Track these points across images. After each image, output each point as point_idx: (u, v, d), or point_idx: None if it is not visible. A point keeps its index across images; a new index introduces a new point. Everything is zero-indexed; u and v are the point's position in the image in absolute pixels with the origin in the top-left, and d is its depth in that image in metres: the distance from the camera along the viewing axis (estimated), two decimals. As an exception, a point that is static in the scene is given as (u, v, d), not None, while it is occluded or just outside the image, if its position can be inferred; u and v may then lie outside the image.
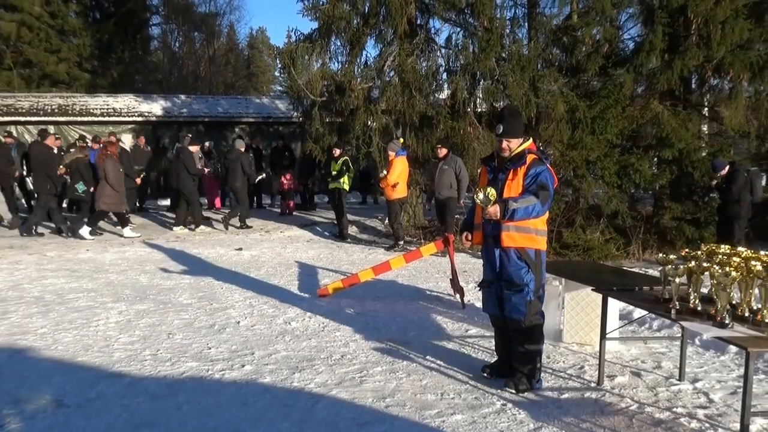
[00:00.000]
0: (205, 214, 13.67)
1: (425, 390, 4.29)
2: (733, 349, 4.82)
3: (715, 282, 3.43)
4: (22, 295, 6.99)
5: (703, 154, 11.26)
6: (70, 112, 19.71)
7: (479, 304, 6.67)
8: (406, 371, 4.67)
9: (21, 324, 5.87)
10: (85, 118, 19.55)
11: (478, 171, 4.57)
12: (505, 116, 4.24)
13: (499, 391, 4.23)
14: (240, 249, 10.33)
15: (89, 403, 4.05)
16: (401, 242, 10.81)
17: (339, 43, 13.12)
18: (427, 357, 4.98)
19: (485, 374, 4.43)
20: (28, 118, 18.83)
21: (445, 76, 13.20)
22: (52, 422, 3.77)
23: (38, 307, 6.47)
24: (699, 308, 3.60)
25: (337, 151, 11.87)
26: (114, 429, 3.68)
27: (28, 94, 21.76)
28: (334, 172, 11.78)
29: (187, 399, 4.13)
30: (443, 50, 13.20)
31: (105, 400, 4.11)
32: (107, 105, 20.65)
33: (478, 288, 4.43)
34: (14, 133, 15.89)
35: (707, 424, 3.72)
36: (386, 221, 12.27)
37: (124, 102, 21.11)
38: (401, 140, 11.54)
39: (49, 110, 19.53)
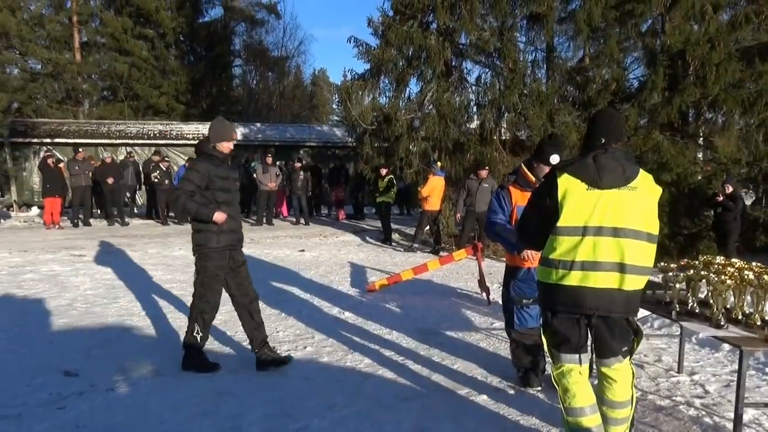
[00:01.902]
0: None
1: (456, 373, 4.24)
2: (726, 347, 4.62)
3: (711, 288, 3.30)
4: (128, 284, 7.15)
5: (699, 177, 10.92)
6: (168, 136, 20.24)
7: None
8: (440, 356, 4.62)
9: (127, 307, 6.02)
10: (180, 142, 20.03)
11: (508, 190, 4.00)
12: (561, 148, 3.79)
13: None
14: (302, 250, 10.41)
15: (181, 374, 4.12)
16: (416, 245, 10.84)
17: (387, 81, 13.17)
18: (458, 345, 4.93)
19: (539, 387, 3.92)
20: (136, 141, 19.42)
21: (475, 109, 13.11)
22: (152, 388, 3.85)
23: (141, 294, 6.61)
24: (697, 311, 3.47)
25: (384, 171, 11.91)
26: (200, 396, 3.74)
27: (135, 122, 22.41)
28: (381, 188, 11.85)
29: (259, 373, 4.17)
30: (474, 87, 13.13)
31: (193, 371, 4.18)
32: (198, 131, 21.10)
33: (519, 307, 3.96)
34: (134, 154, 16.39)
35: (703, 412, 3.57)
36: (426, 229, 12.22)
37: (212, 128, 21.55)
38: (439, 163, 11.54)
39: (152, 135, 20.08)
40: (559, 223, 2.61)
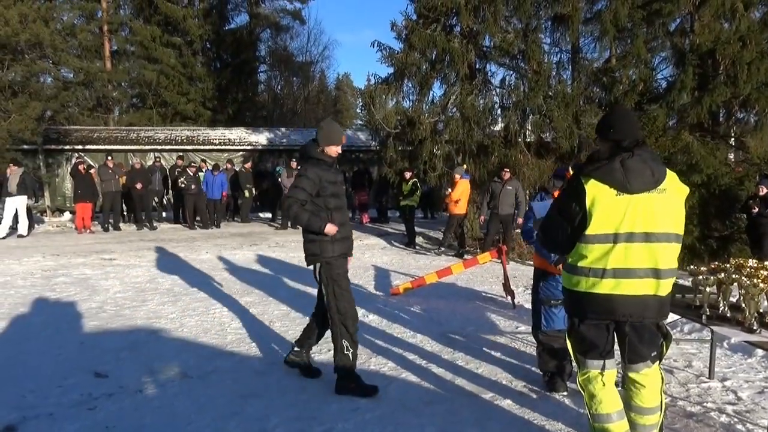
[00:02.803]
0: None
1: (481, 377, 4.21)
2: (759, 352, 4.49)
3: (744, 292, 3.22)
4: (157, 287, 7.29)
5: (730, 179, 10.65)
6: (195, 141, 20.57)
7: (528, 306, 6.53)
8: (465, 360, 4.59)
9: (156, 310, 6.12)
10: (207, 147, 20.34)
11: (553, 196, 3.84)
12: None
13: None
14: (327, 254, 10.44)
15: (207, 376, 4.18)
16: (442, 248, 10.77)
17: (410, 85, 13.19)
18: (483, 349, 4.89)
19: (565, 392, 3.88)
20: (164, 147, 19.77)
21: (499, 111, 13.03)
22: (179, 390, 3.91)
23: (169, 297, 6.73)
24: (728, 315, 3.40)
25: (408, 174, 11.92)
26: (226, 397, 3.78)
27: (164, 128, 22.85)
28: (405, 192, 11.85)
29: (284, 376, 4.20)
30: (498, 90, 13.06)
31: (220, 373, 4.24)
32: (224, 136, 21.43)
33: (547, 307, 3.95)
34: (161, 160, 16.69)
35: (736, 419, 3.48)
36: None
37: (237, 134, 21.85)
38: (464, 166, 11.48)
39: (179, 140, 20.43)
40: (589, 231, 2.54)
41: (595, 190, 2.52)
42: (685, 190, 2.62)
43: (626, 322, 2.56)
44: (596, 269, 2.54)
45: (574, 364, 4.02)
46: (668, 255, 2.54)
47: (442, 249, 10.84)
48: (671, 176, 2.61)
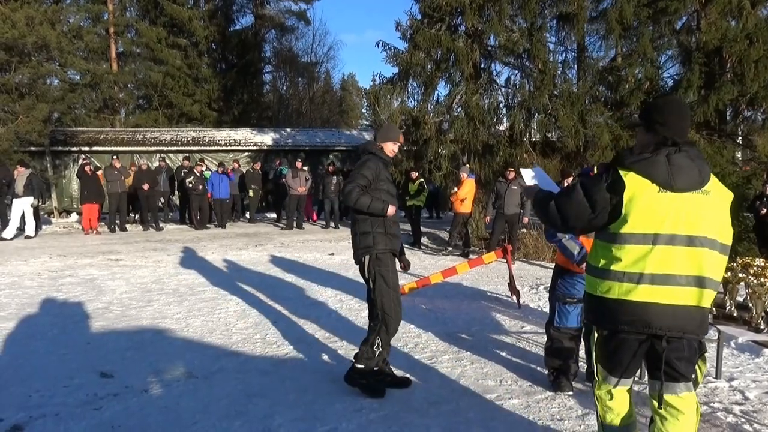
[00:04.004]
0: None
1: (486, 377, 4.20)
2: (767, 352, 4.45)
3: (751, 291, 3.20)
4: (162, 288, 7.31)
5: (737, 177, 10.59)
6: (201, 142, 20.66)
7: (533, 305, 6.53)
8: (470, 360, 4.58)
9: (161, 310, 6.14)
10: (213, 148, 20.42)
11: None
12: None
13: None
14: (332, 254, 10.47)
15: (212, 375, 4.18)
16: (449, 248, 10.75)
17: (415, 85, 13.22)
18: (488, 348, 4.87)
19: (571, 392, 3.87)
20: (170, 148, 19.87)
21: (504, 110, 13.05)
22: (184, 390, 3.92)
23: (174, 297, 6.74)
24: (735, 314, 3.37)
25: (414, 174, 11.91)
26: (231, 397, 3.79)
27: (170, 129, 22.95)
28: (412, 192, 11.84)
29: (289, 375, 4.20)
30: (503, 89, 13.07)
31: (225, 373, 4.24)
32: (230, 137, 21.50)
33: (561, 303, 3.95)
34: (166, 160, 16.76)
35: (743, 419, 3.45)
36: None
37: (243, 134, 21.91)
38: (468, 165, 11.47)
39: (185, 141, 20.52)
40: (625, 230, 2.29)
41: (635, 185, 2.28)
42: (730, 195, 2.39)
43: (663, 336, 2.29)
44: (632, 273, 2.28)
45: (581, 364, 4.04)
46: (714, 263, 2.29)
47: (449, 249, 10.83)
48: (715, 179, 2.37)
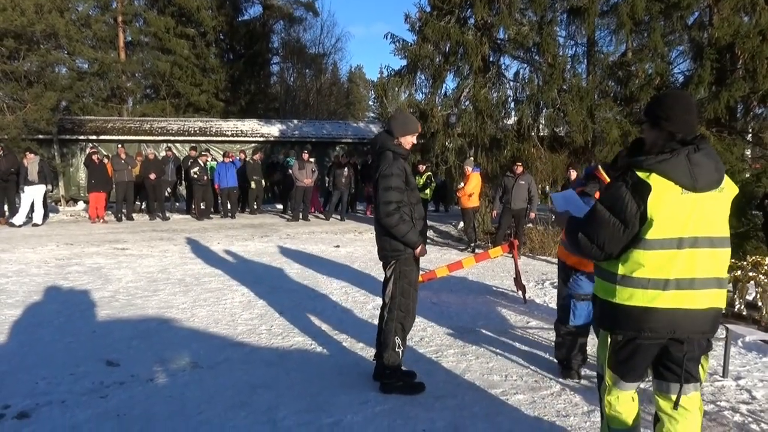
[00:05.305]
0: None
1: (491, 371, 4.19)
2: (775, 351, 4.43)
3: (761, 290, 3.17)
4: (168, 277, 7.32)
5: (747, 175, 10.50)
6: (208, 133, 20.66)
7: (539, 300, 6.51)
8: (475, 354, 4.57)
9: (167, 300, 6.15)
10: (220, 138, 20.42)
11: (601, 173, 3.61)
12: None
13: (557, 376, 4.07)
14: (338, 246, 10.46)
15: (218, 366, 4.19)
16: (473, 244, 10.63)
17: (423, 78, 13.13)
18: (493, 343, 4.86)
19: (578, 380, 3.99)
20: (177, 138, 19.88)
21: (512, 105, 12.96)
22: (190, 379, 3.93)
23: (180, 287, 6.76)
24: (744, 313, 3.34)
25: (422, 167, 11.88)
26: (236, 388, 3.79)
27: (177, 119, 22.95)
28: (419, 185, 11.80)
29: (294, 367, 4.20)
30: (512, 83, 12.97)
31: (230, 363, 4.25)
32: (236, 128, 21.49)
33: (577, 301, 3.94)
34: (173, 150, 16.76)
35: (750, 419, 3.43)
36: (460, 226, 12.11)
37: (250, 125, 21.89)
38: (471, 159, 11.41)
39: (192, 131, 20.53)
40: (650, 236, 2.20)
41: (660, 187, 2.18)
42: (736, 189, 2.34)
43: (685, 339, 2.25)
44: (657, 280, 2.21)
45: (590, 354, 4.03)
46: (727, 262, 2.29)
47: (473, 245, 10.54)
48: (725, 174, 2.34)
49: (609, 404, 2.50)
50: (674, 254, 2.20)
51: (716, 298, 2.26)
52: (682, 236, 2.20)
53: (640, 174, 2.22)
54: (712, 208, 2.23)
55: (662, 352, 2.35)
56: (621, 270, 2.29)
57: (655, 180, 2.19)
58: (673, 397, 2.34)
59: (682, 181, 2.17)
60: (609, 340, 2.43)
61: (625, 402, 2.47)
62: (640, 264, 2.23)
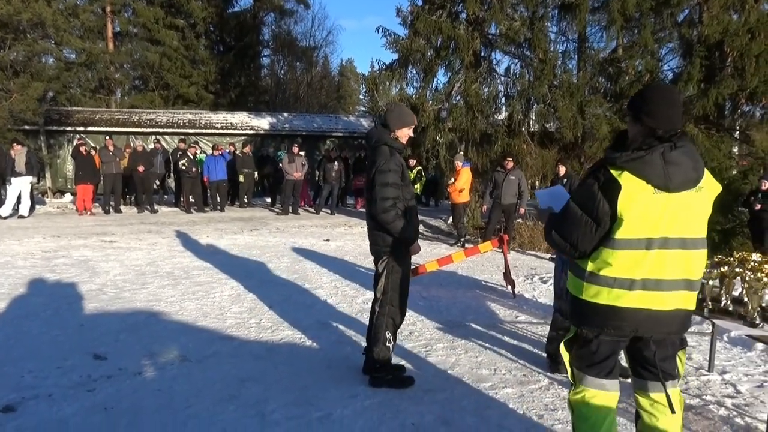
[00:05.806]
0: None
1: (480, 365, 4.21)
2: (759, 346, 4.48)
3: (747, 285, 3.20)
4: (157, 270, 7.27)
5: (734, 172, 10.63)
6: (197, 125, 20.52)
7: (528, 295, 6.55)
8: (464, 348, 4.59)
9: (156, 293, 6.11)
10: (209, 131, 20.29)
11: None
12: None
13: (545, 370, 4.10)
14: (327, 240, 10.45)
15: (206, 359, 4.17)
16: (463, 239, 10.65)
17: (414, 72, 13.14)
18: (482, 338, 4.88)
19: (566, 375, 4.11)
20: (166, 130, 19.73)
21: (503, 100, 13.00)
22: (178, 373, 3.91)
23: (169, 280, 6.71)
24: (730, 308, 3.38)
25: (412, 162, 11.87)
26: (225, 381, 3.78)
27: (166, 111, 22.75)
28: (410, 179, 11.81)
29: (283, 361, 4.20)
30: (503, 78, 13.00)
31: (219, 357, 4.23)
32: (226, 120, 21.35)
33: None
34: (162, 142, 16.62)
35: (734, 412, 3.47)
36: (449, 221, 12.13)
37: (239, 118, 21.76)
38: (461, 153, 11.41)
39: (181, 124, 20.38)
40: (618, 235, 2.17)
41: (630, 186, 2.12)
42: (719, 188, 2.27)
43: (650, 338, 2.26)
44: (623, 280, 2.18)
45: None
46: (700, 264, 2.23)
47: (462, 240, 10.60)
48: (706, 172, 2.25)
49: (573, 405, 2.44)
50: (642, 255, 2.16)
51: (684, 300, 2.23)
52: (652, 237, 2.15)
53: (612, 171, 2.17)
54: (687, 209, 2.17)
55: (635, 352, 2.36)
56: (589, 267, 2.27)
57: (626, 179, 2.13)
58: (652, 395, 2.35)
59: (655, 180, 2.11)
60: (574, 335, 2.44)
61: (593, 404, 2.37)
62: (608, 263, 2.21)
